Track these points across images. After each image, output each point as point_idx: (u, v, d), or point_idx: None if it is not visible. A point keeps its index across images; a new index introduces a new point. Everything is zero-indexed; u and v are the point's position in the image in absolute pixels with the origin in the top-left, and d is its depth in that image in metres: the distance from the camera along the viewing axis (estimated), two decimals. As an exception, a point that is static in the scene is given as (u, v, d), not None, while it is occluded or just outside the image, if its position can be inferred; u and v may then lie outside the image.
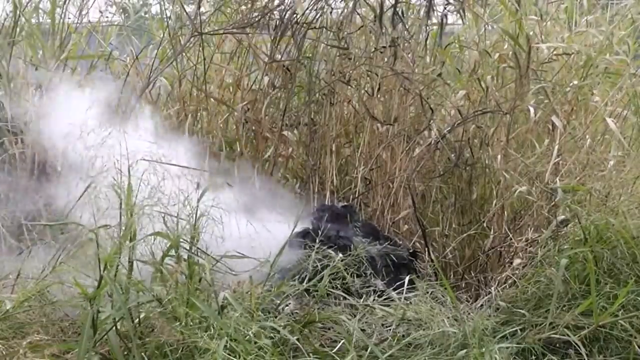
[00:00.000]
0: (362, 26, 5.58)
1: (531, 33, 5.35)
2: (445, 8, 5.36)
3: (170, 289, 3.38)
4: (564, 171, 4.79)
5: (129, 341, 3.37)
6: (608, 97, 5.27)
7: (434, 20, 5.47)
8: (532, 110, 4.99)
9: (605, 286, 3.85)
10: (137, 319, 3.39)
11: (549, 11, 5.73)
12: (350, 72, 5.46)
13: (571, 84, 5.26)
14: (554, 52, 5.30)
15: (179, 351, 3.32)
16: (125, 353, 3.35)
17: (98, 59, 5.74)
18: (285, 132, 5.40)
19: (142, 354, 3.32)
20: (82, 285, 3.47)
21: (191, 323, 3.32)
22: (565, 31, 5.69)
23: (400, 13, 5.32)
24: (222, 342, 3.16)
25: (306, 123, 5.49)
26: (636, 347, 3.71)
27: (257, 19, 5.34)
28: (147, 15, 6.79)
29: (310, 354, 3.48)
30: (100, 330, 3.33)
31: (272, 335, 3.41)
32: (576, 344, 3.64)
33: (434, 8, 5.38)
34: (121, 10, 6.71)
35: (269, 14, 5.35)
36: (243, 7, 5.58)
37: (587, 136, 5.04)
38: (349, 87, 5.50)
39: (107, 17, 6.13)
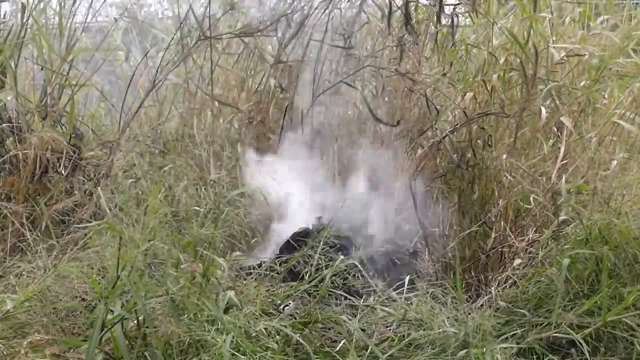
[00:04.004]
0: (366, 23, 5.59)
1: (541, 27, 5.34)
2: (454, 8, 5.33)
3: (184, 287, 3.39)
4: (570, 172, 4.78)
5: (132, 340, 3.39)
6: (618, 101, 5.23)
7: (443, 22, 5.46)
8: (543, 111, 4.96)
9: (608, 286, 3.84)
10: (143, 317, 3.40)
11: (564, 7, 5.71)
12: (355, 72, 5.47)
13: (581, 84, 5.23)
14: (566, 55, 5.26)
15: (183, 345, 3.34)
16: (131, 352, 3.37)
17: (104, 61, 5.75)
18: (288, 133, 5.42)
19: (146, 353, 3.34)
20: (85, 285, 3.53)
21: (199, 317, 3.34)
22: (577, 30, 5.68)
23: (409, 14, 5.31)
24: (229, 338, 3.18)
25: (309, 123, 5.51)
26: (639, 346, 3.71)
27: (267, 25, 5.35)
28: (145, 15, 6.80)
29: (311, 354, 3.49)
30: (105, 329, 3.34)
31: (275, 334, 3.43)
32: (580, 343, 3.63)
33: (444, 9, 5.36)
34: (125, 12, 6.72)
35: (278, 20, 5.36)
36: (252, 10, 5.59)
37: (593, 137, 5.02)
38: (354, 88, 5.51)
39: (108, 17, 6.14)
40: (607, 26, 5.84)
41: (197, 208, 4.15)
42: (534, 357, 3.69)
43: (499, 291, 4.14)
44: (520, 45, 5.11)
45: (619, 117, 4.95)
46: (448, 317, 3.74)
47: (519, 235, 4.57)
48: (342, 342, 3.62)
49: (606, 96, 5.29)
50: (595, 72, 5.19)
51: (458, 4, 5.29)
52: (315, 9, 5.42)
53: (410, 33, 5.40)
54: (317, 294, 3.91)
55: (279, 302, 3.87)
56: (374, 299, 4.02)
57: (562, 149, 4.73)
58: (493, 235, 4.75)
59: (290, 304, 3.90)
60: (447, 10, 5.38)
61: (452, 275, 4.41)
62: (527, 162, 4.93)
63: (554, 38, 5.33)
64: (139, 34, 6.37)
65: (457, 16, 5.36)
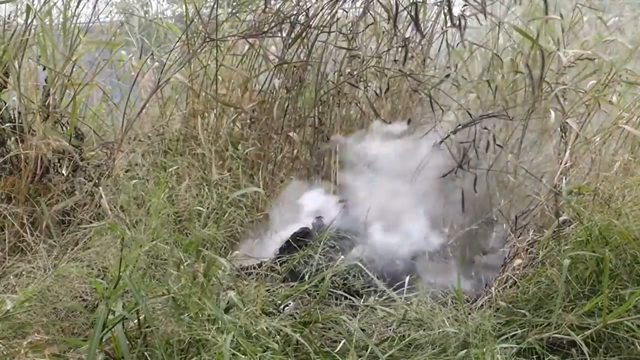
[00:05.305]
0: (372, 23, 5.60)
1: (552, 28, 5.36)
2: (463, 10, 5.33)
3: (185, 286, 3.40)
4: (573, 173, 4.77)
5: (133, 340, 3.40)
6: (625, 105, 5.22)
7: (449, 23, 5.47)
8: (552, 114, 4.97)
9: (609, 287, 3.84)
10: (144, 317, 3.40)
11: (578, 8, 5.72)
12: (359, 72, 5.47)
13: (588, 85, 5.22)
14: (575, 58, 5.26)
15: (183, 344, 3.34)
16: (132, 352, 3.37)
17: (106, 62, 5.76)
18: (290, 133, 5.42)
19: (146, 353, 3.35)
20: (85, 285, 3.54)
21: (200, 317, 3.34)
22: (592, 30, 5.70)
23: (416, 15, 5.32)
24: (229, 337, 3.18)
25: (311, 124, 5.52)
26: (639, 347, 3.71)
27: (272, 27, 5.35)
28: (147, 16, 6.81)
29: (311, 354, 3.49)
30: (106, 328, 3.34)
31: (275, 334, 3.43)
32: (580, 343, 3.62)
33: (452, 10, 5.37)
34: (128, 12, 6.73)
35: (283, 21, 5.36)
36: (258, 11, 5.59)
37: (597, 139, 5.01)
38: (357, 88, 5.51)
39: (109, 17, 6.15)
40: (617, 28, 5.86)
41: (200, 208, 4.15)
42: (534, 357, 3.68)
43: (499, 291, 4.14)
44: (533, 41, 5.11)
45: (626, 121, 4.93)
46: (448, 317, 3.74)
47: (519, 235, 4.57)
48: (342, 342, 3.62)
49: (613, 99, 5.27)
50: (605, 76, 5.17)
51: (466, 5, 5.29)
52: (321, 9, 5.42)
53: (419, 34, 5.41)
54: (317, 294, 3.91)
55: (279, 302, 3.88)
56: (374, 299, 4.02)
57: (567, 151, 4.72)
58: (494, 235, 4.76)
59: (290, 304, 3.91)
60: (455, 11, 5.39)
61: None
62: (523, 166, 4.94)
63: (566, 39, 5.34)
64: (142, 34, 6.38)
65: (465, 17, 5.36)
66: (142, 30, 6.42)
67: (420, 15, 5.51)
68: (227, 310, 3.48)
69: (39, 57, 5.22)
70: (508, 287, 4.16)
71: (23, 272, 3.79)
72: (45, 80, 5.08)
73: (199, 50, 5.37)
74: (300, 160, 5.54)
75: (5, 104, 4.92)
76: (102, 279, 3.50)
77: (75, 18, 5.33)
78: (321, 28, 5.43)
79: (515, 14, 5.72)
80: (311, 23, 5.41)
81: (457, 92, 5.56)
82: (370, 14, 5.59)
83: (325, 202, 4.95)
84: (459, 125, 5.02)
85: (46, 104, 4.98)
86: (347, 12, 5.58)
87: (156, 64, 5.90)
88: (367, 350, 3.59)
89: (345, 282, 4.04)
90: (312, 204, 4.95)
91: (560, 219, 4.23)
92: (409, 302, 3.91)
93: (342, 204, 4.88)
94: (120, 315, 3.31)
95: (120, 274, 3.33)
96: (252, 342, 3.33)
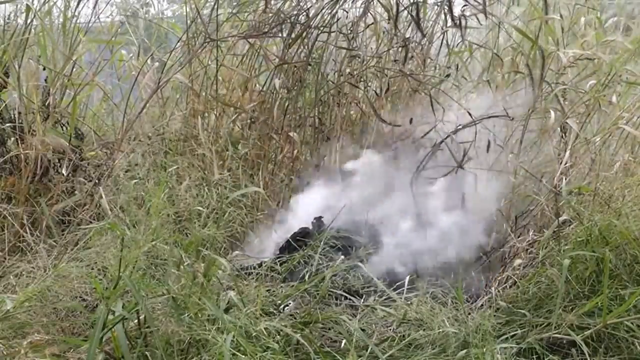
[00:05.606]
0: (372, 23, 5.60)
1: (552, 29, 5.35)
2: (463, 10, 5.33)
3: (185, 286, 3.40)
4: (573, 173, 4.77)
5: (133, 339, 3.40)
6: (625, 105, 5.21)
7: (449, 23, 5.46)
8: (552, 114, 4.97)
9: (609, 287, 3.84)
10: (144, 317, 3.40)
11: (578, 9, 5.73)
12: (359, 72, 5.47)
13: (588, 85, 5.22)
14: (575, 58, 5.25)
15: (184, 344, 3.34)
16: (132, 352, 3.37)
17: (107, 62, 5.77)
18: (290, 133, 5.42)
19: (147, 353, 3.35)
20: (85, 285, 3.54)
21: (200, 317, 3.34)
22: (591, 30, 5.70)
23: (417, 15, 5.31)
24: (229, 338, 3.18)
25: (311, 124, 5.52)
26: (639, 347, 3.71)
27: (272, 27, 5.35)
28: (147, 16, 6.81)
29: (311, 354, 3.49)
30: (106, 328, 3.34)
31: (275, 334, 3.43)
32: (580, 343, 3.63)
33: (452, 10, 5.36)
34: (130, 12, 6.73)
35: (283, 21, 5.36)
36: (258, 11, 5.58)
37: (597, 139, 5.01)
38: (357, 88, 5.51)
39: (109, 17, 6.15)
40: (617, 28, 5.86)
41: (200, 208, 4.15)
42: (534, 357, 3.68)
43: (499, 291, 4.14)
44: (533, 41, 5.10)
45: (626, 121, 4.93)
46: (448, 317, 3.74)
47: (519, 235, 4.57)
48: (343, 342, 3.62)
49: (613, 99, 5.26)
50: (605, 76, 5.17)
51: (466, 5, 5.29)
52: (321, 9, 5.42)
53: (419, 34, 5.41)
54: (317, 294, 3.91)
55: (279, 302, 3.88)
56: (374, 299, 4.02)
57: (567, 151, 4.72)
58: (494, 235, 4.75)
59: (290, 304, 3.91)
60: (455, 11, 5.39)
61: (451, 275, 4.42)
62: (530, 163, 4.93)
63: (566, 39, 5.34)
64: (143, 34, 6.38)
65: (465, 17, 5.35)
66: (143, 30, 6.41)
67: (421, 15, 5.50)
68: (227, 310, 3.48)
69: (39, 57, 5.22)
70: (508, 287, 4.17)
71: (23, 272, 3.79)
72: (45, 80, 5.08)
73: (199, 51, 5.37)
74: (300, 160, 5.54)
75: (4, 103, 4.92)
76: (102, 278, 3.50)
77: (75, 18, 5.33)
78: (321, 28, 5.42)
79: (515, 14, 5.71)
80: (311, 23, 5.40)
81: (457, 92, 5.55)
82: (371, 14, 5.59)
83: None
84: (458, 125, 5.01)
85: (46, 104, 4.99)
86: (347, 12, 5.57)
87: (156, 64, 5.89)
88: (367, 350, 3.59)
89: (345, 282, 4.05)
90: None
91: (560, 219, 4.23)
92: (409, 302, 3.91)
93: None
94: (120, 315, 3.31)
95: (120, 274, 3.34)
96: (252, 342, 3.33)
